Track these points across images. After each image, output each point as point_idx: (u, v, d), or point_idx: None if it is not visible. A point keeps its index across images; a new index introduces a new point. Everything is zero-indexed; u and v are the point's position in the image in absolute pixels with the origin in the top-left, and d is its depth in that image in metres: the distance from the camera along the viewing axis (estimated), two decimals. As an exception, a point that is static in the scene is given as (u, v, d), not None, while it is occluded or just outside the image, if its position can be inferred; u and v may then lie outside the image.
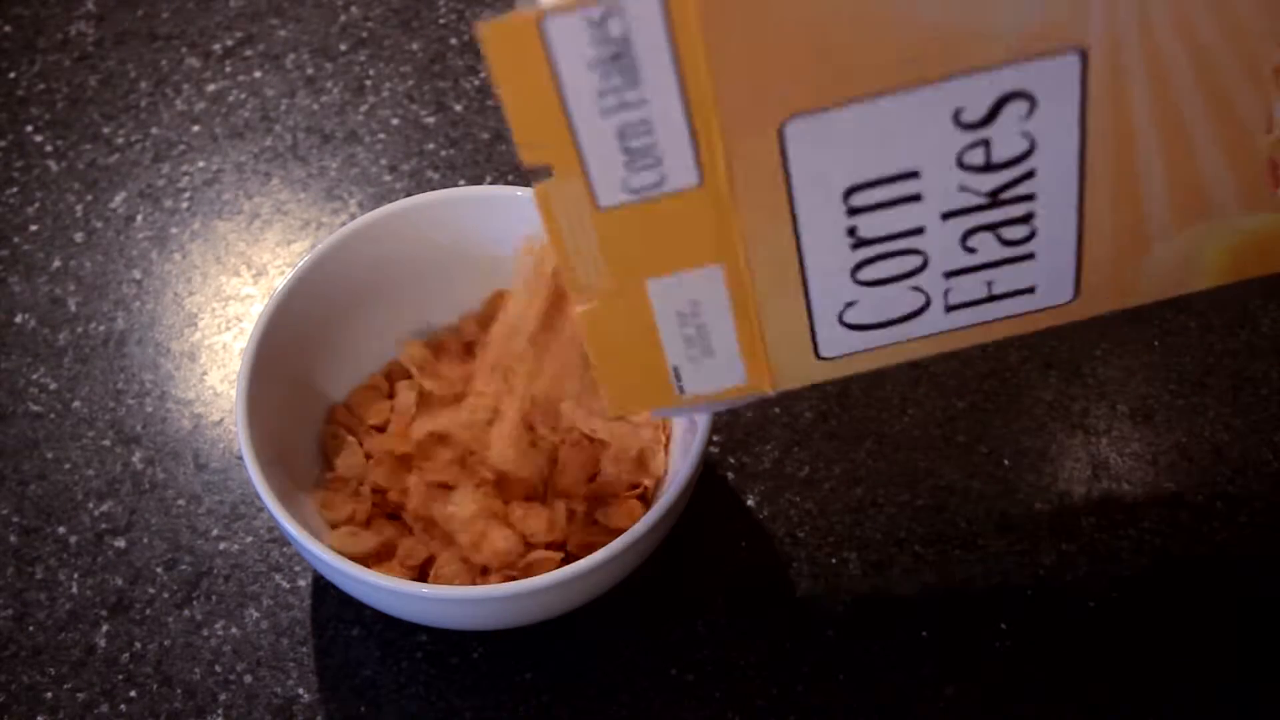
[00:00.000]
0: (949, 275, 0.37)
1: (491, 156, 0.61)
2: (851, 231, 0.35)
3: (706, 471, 0.51)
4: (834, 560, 0.50)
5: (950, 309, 0.38)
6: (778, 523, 0.51)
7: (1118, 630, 0.48)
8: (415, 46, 0.66)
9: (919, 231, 0.36)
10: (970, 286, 0.37)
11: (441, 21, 0.66)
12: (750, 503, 0.51)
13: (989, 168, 0.35)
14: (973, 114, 0.33)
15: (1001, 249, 0.37)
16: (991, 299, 0.38)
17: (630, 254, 0.36)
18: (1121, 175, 0.35)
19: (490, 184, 0.60)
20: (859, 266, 0.36)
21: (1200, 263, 0.38)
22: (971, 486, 0.51)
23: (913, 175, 0.34)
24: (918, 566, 0.50)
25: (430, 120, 0.63)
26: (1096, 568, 0.50)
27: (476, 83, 0.64)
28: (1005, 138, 0.34)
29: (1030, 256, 0.37)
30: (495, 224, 0.50)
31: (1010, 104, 0.33)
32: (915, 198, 0.35)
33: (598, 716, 0.47)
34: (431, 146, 0.62)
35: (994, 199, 0.35)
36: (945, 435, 0.53)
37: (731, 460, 0.52)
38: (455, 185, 0.60)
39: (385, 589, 0.42)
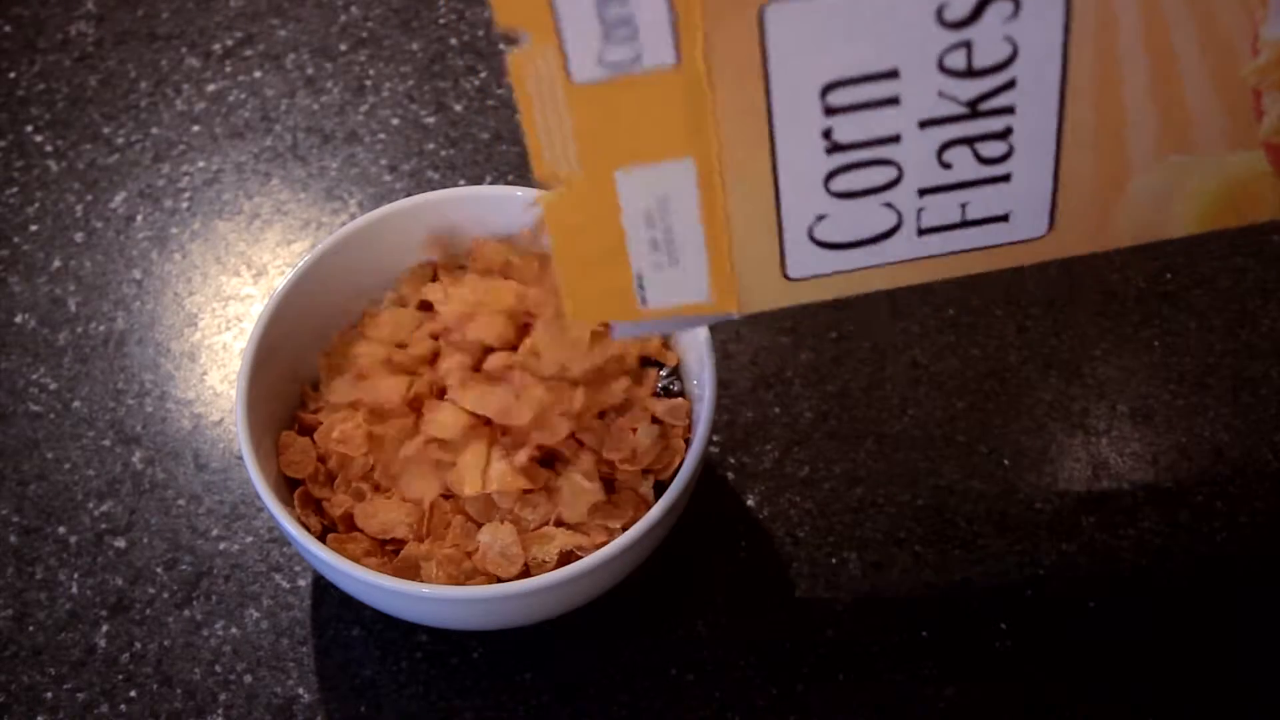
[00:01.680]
0: (923, 193, 0.36)
1: (491, 156, 0.61)
2: (827, 134, 0.35)
3: (706, 471, 0.51)
4: (834, 560, 0.50)
5: (923, 232, 0.37)
6: (778, 523, 0.51)
7: (1118, 630, 0.48)
8: (415, 46, 0.66)
9: (895, 140, 0.35)
10: (944, 208, 0.37)
11: (441, 21, 0.66)
12: (750, 503, 0.51)
13: (970, 73, 0.34)
14: (956, 11, 0.33)
15: (978, 167, 0.36)
16: (965, 224, 0.37)
17: (602, 138, 0.34)
18: (1104, 92, 0.35)
19: (490, 184, 0.60)
20: (832, 175, 0.36)
21: (1178, 205, 0.37)
22: (971, 486, 0.51)
23: (892, 75, 0.34)
24: (918, 566, 0.50)
25: (430, 120, 0.63)
26: (1096, 568, 0.50)
27: (476, 83, 0.64)
28: (987, 41, 0.33)
29: (1006, 178, 0.36)
30: (495, 224, 0.50)
31: (994, 3, 0.33)
32: (893, 100, 0.34)
33: (598, 716, 0.47)
34: (431, 146, 0.62)
35: (973, 109, 0.35)
36: (945, 435, 0.53)
37: (731, 460, 0.52)
38: (455, 185, 0.60)
39: (385, 589, 0.42)
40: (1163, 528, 0.50)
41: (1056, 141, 0.36)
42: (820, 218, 0.36)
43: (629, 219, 0.36)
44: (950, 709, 0.47)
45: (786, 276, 0.38)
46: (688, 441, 0.46)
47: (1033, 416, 0.53)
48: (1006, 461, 0.52)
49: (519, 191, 0.50)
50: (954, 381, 0.54)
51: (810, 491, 0.51)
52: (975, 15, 0.33)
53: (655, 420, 0.46)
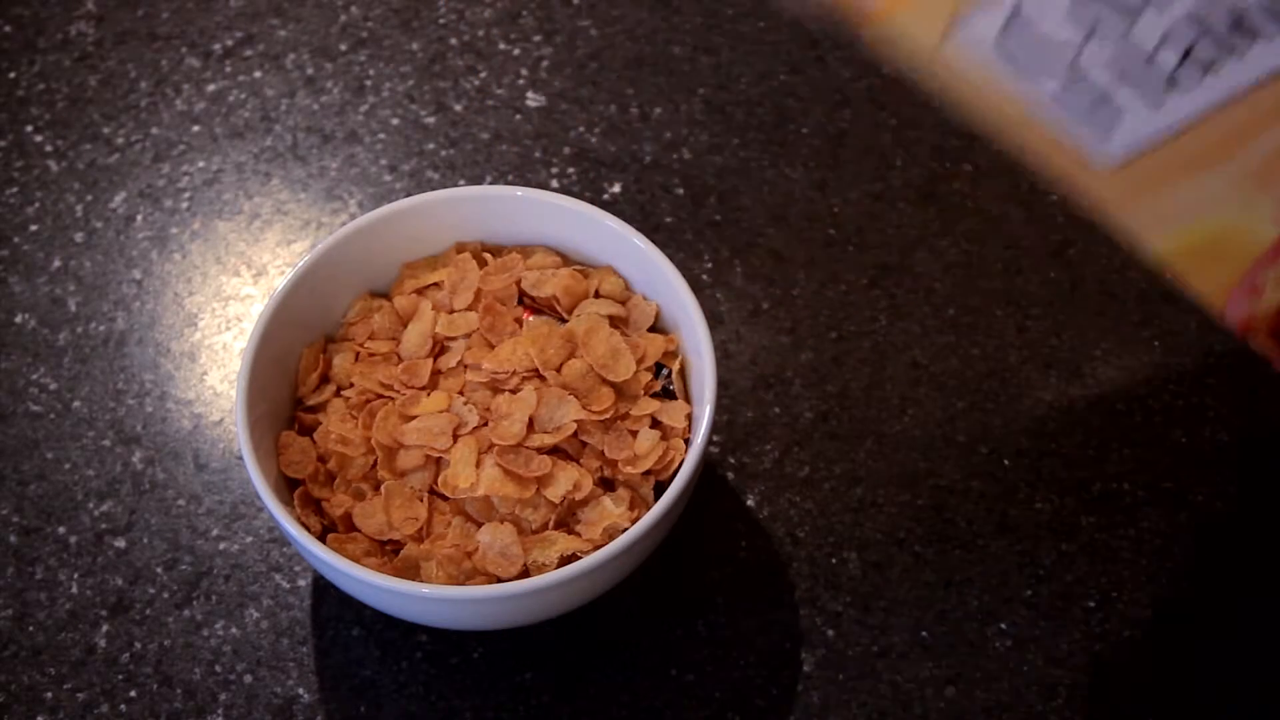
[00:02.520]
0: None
1: (491, 156, 0.61)
2: None
3: (706, 471, 0.51)
4: (834, 560, 0.50)
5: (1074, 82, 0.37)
6: (778, 523, 0.51)
7: (1118, 630, 0.48)
8: (415, 46, 0.66)
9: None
10: (1113, 61, 0.36)
11: (441, 21, 0.66)
12: (750, 503, 0.51)
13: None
14: None
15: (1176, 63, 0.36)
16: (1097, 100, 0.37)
17: None
18: None
19: (490, 184, 0.60)
20: None
21: (1178, 230, 0.38)
22: (971, 486, 0.52)
23: None
24: (918, 566, 0.50)
25: (430, 120, 0.63)
26: (1096, 568, 0.50)
27: (476, 83, 0.64)
28: None
29: (1174, 84, 0.36)
30: (495, 224, 0.50)
31: None
32: None
33: (598, 716, 0.47)
34: (431, 146, 0.62)
35: (1237, 24, 0.35)
36: (945, 435, 0.53)
37: (731, 460, 0.52)
38: (455, 185, 0.60)
39: (385, 589, 0.42)
40: (1163, 528, 0.50)
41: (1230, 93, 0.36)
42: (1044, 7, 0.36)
43: None
44: (950, 709, 0.47)
45: (942, 37, 0.37)
46: (688, 442, 0.46)
47: (1033, 416, 0.53)
48: (1006, 461, 0.52)
49: (519, 191, 0.50)
50: (954, 381, 0.54)
51: (810, 491, 0.51)
52: None
53: (655, 422, 0.46)
